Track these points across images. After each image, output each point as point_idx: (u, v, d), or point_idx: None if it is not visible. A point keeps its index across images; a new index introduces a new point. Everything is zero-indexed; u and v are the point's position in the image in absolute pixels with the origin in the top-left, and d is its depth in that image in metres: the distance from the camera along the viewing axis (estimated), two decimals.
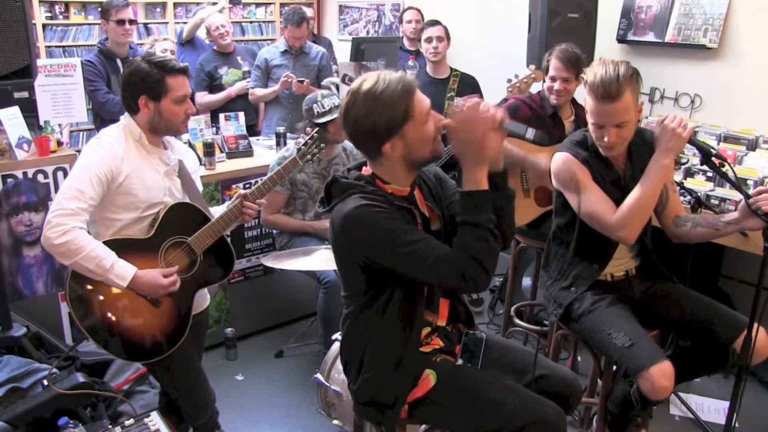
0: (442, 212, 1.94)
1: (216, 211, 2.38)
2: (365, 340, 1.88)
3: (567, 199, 2.32)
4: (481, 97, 4.07)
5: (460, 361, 1.97)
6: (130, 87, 2.17)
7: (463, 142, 1.74)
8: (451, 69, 4.15)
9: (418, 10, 4.82)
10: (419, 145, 1.78)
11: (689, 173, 3.17)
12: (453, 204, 1.92)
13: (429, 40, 4.09)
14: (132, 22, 3.93)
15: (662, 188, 2.26)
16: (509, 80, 3.31)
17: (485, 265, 1.69)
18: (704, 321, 2.26)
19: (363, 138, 1.79)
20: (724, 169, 2.12)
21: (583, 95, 3.18)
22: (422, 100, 1.77)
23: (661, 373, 2.04)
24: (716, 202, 2.94)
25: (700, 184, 3.06)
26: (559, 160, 2.32)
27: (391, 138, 1.75)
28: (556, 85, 3.01)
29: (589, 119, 2.20)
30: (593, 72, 2.12)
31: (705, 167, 3.10)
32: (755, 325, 2.00)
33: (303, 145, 2.56)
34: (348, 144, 3.41)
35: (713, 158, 2.11)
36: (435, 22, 4.16)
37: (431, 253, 1.70)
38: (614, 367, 2.41)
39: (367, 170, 1.88)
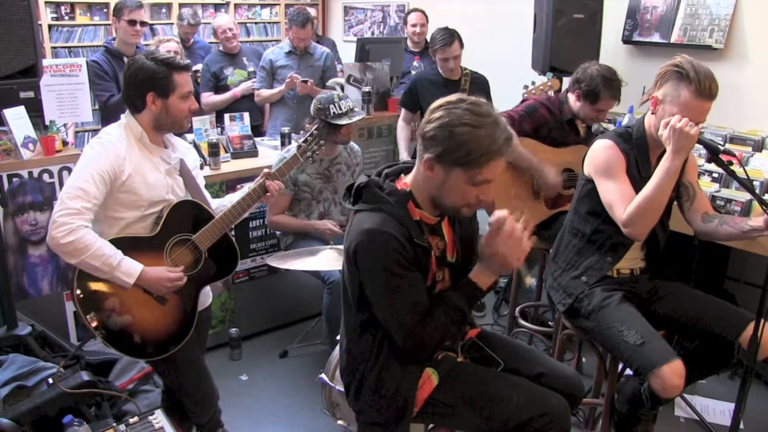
0: (462, 248, 1.93)
1: (234, 197, 2.40)
2: (365, 364, 1.86)
3: (595, 186, 2.30)
4: (489, 97, 4.02)
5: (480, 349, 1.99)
6: (136, 85, 2.17)
7: (492, 251, 1.76)
8: (462, 68, 4.11)
9: (423, 13, 4.79)
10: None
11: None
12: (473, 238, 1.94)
13: (445, 59, 3.92)
14: (143, 23, 3.96)
15: (690, 186, 2.32)
16: (526, 86, 3.38)
17: (444, 342, 1.83)
18: (709, 318, 2.26)
19: (454, 156, 1.67)
20: (732, 167, 2.10)
21: None
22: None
23: (673, 371, 2.04)
24: (722, 203, 2.93)
25: (705, 185, 3.05)
26: (600, 145, 2.30)
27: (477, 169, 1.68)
28: (602, 116, 3.06)
29: (677, 112, 2.09)
30: (692, 67, 2.06)
31: (710, 167, 3.13)
32: (762, 323, 1.99)
33: (303, 142, 2.55)
34: (350, 143, 3.41)
35: (721, 155, 2.09)
36: (451, 37, 3.89)
37: (402, 314, 1.73)
38: (620, 366, 2.41)
39: (405, 183, 1.82)
